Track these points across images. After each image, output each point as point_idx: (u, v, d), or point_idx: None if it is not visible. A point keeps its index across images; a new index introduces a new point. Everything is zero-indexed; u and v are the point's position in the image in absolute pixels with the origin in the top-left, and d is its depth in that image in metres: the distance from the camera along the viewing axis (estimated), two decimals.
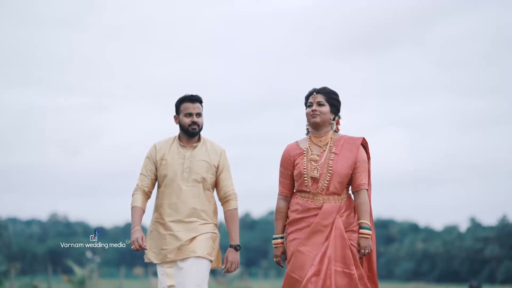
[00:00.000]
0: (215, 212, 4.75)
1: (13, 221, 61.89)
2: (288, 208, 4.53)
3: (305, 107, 4.57)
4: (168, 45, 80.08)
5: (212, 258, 4.67)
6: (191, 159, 4.68)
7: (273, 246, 4.53)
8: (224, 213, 4.75)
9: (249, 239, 56.55)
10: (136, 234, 4.60)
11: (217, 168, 4.72)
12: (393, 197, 77.93)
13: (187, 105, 4.71)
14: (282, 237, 4.51)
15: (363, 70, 77.72)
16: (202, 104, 4.75)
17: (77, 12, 75.62)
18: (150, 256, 4.69)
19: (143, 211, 4.75)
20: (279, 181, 4.58)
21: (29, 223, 65.22)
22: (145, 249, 4.64)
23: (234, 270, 4.66)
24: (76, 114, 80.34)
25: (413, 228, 58.15)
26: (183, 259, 4.60)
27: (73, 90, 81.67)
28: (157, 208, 4.72)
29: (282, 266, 4.50)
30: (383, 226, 58.13)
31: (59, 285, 24.79)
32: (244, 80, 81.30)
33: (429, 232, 55.53)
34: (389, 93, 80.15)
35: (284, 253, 4.51)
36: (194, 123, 4.69)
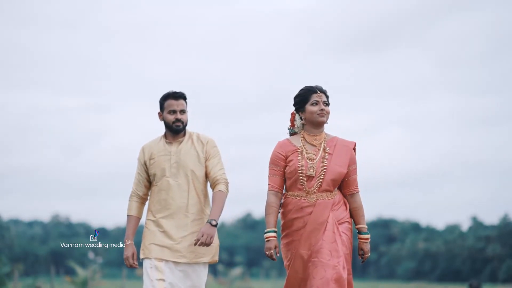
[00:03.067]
0: (207, 204, 4.73)
1: (15, 222, 61.96)
2: (279, 202, 4.53)
3: (298, 105, 4.56)
4: (169, 46, 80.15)
5: (205, 260, 4.66)
6: (177, 154, 4.69)
7: (265, 239, 4.47)
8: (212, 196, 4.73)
9: (250, 240, 56.54)
10: (128, 251, 4.67)
11: (205, 156, 4.71)
12: (395, 197, 77.98)
13: (171, 102, 4.70)
14: (274, 231, 4.47)
15: (364, 69, 77.74)
16: (186, 101, 4.75)
17: (78, 13, 75.71)
18: (140, 253, 4.69)
19: (139, 219, 4.77)
20: (269, 177, 4.53)
21: (31, 224, 65.28)
22: (136, 267, 4.69)
23: (206, 241, 4.49)
24: (77, 116, 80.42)
25: (415, 227, 58.16)
26: (176, 263, 4.60)
27: (74, 91, 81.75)
28: (149, 207, 4.75)
29: (274, 259, 4.47)
30: (384, 225, 58.14)
31: (61, 286, 24.86)
32: (244, 81, 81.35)
33: (430, 232, 55.55)
34: (390, 92, 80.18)
35: (277, 246, 4.49)
36: (178, 120, 4.68)
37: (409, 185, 79.97)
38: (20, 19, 75.67)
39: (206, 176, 4.74)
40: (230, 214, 61.81)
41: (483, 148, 76.66)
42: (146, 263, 4.65)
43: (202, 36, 77.98)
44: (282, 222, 4.55)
